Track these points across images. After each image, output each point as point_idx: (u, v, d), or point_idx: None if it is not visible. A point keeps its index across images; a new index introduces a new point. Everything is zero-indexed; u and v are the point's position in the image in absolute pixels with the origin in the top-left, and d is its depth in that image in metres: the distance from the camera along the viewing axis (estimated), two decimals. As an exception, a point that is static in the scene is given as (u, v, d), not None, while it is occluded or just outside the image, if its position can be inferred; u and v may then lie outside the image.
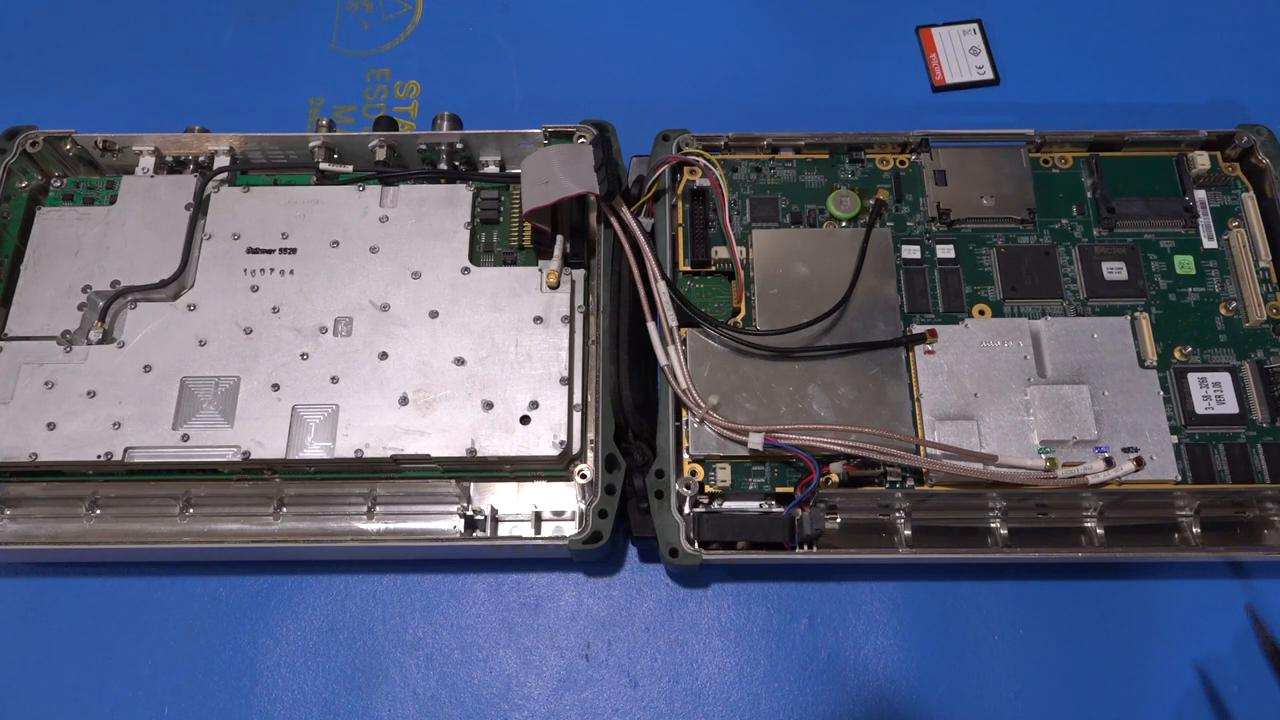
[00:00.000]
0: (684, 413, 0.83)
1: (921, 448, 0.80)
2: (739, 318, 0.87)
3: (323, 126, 0.95)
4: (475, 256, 0.91)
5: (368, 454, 0.81)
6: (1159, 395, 0.83)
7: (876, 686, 0.84)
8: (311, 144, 0.94)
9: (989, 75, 1.12)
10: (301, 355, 0.85)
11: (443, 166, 0.96)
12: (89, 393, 0.83)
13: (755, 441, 0.79)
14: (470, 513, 0.83)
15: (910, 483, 0.81)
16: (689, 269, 0.89)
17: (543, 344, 0.86)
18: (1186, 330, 0.87)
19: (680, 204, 0.92)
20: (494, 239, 0.93)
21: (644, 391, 0.85)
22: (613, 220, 0.87)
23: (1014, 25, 1.16)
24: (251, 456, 0.81)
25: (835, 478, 0.79)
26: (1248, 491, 0.81)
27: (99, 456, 0.81)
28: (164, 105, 1.12)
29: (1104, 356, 0.84)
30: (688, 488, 0.80)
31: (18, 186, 0.93)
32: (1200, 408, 0.83)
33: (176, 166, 0.97)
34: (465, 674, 0.85)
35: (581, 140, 0.91)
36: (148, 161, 0.95)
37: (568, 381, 0.84)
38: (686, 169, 0.93)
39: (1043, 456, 0.80)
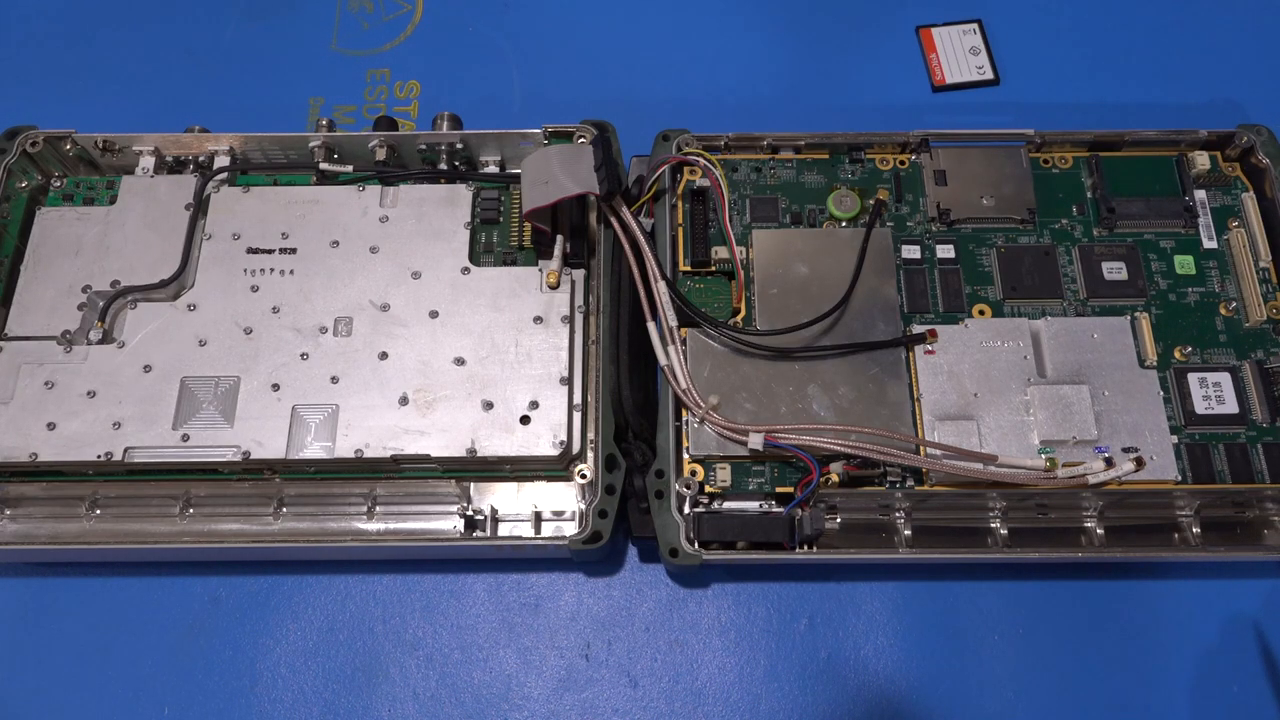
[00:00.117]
0: (684, 413, 0.83)
1: (921, 448, 0.80)
2: (739, 318, 0.87)
3: (323, 126, 0.95)
4: (475, 256, 0.91)
5: (368, 454, 0.81)
6: (1159, 395, 0.83)
7: (876, 686, 0.84)
8: (311, 144, 0.94)
9: (989, 75, 1.12)
10: (301, 355, 0.85)
11: (443, 166, 0.96)
12: (89, 393, 0.83)
13: (755, 441, 0.79)
14: (470, 513, 0.83)
15: (910, 483, 0.81)
16: (689, 269, 0.89)
17: (543, 344, 0.86)
18: (1186, 330, 0.87)
19: (680, 204, 0.92)
20: (494, 239, 0.93)
21: (644, 391, 0.85)
22: (613, 220, 0.87)
23: (1014, 25, 1.16)
24: (251, 456, 0.81)
25: (835, 478, 0.79)
26: (1248, 491, 0.81)
27: (99, 456, 0.81)
28: (164, 105, 1.12)
29: (1104, 356, 0.84)
30: (688, 488, 0.80)
31: (18, 186, 0.93)
32: (1200, 408, 0.83)
33: (176, 166, 0.97)
34: (465, 674, 0.85)
35: (581, 140, 0.91)
36: (148, 161, 0.95)
37: (568, 381, 0.84)
38: (686, 169, 0.93)
39: (1043, 456, 0.80)
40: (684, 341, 0.85)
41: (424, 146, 0.95)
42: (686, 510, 0.81)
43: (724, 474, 0.81)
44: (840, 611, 0.87)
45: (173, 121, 1.00)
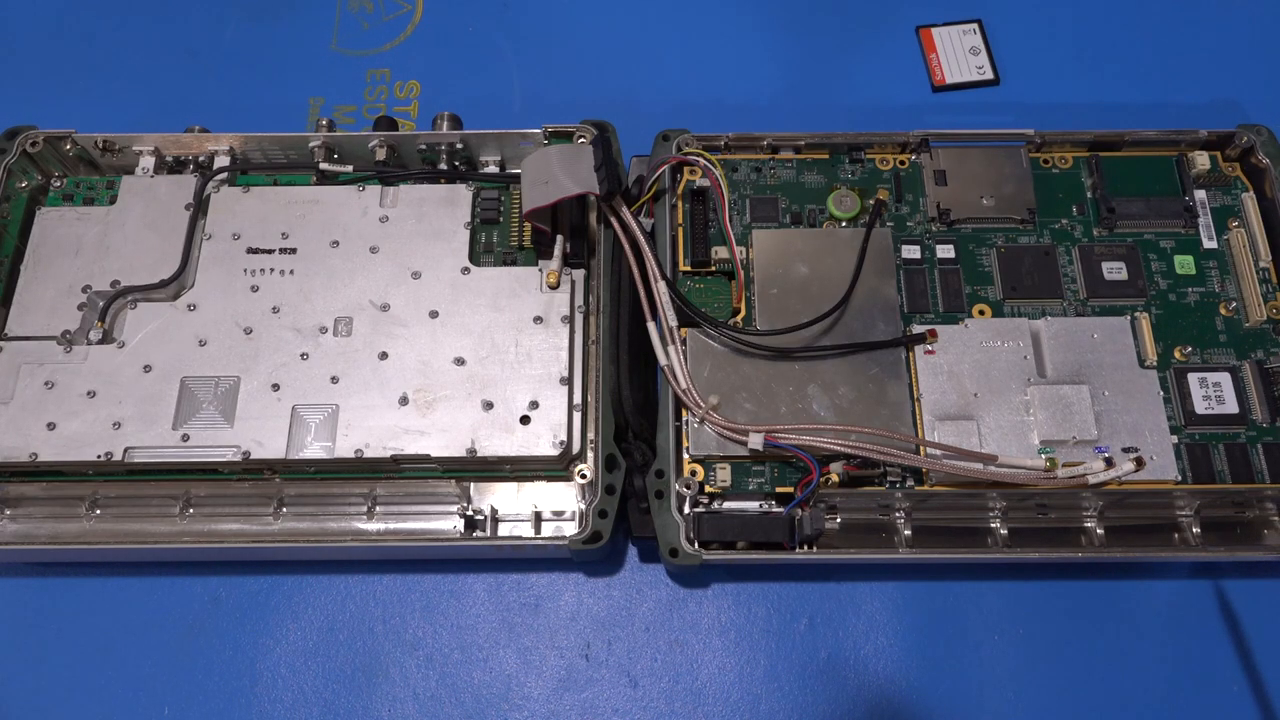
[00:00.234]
0: (684, 413, 0.83)
1: (921, 448, 0.80)
2: (739, 318, 0.87)
3: (323, 126, 0.95)
4: (475, 256, 0.91)
5: (368, 454, 0.81)
6: (1159, 395, 0.83)
7: (876, 686, 0.84)
8: (311, 144, 0.94)
9: (989, 75, 1.12)
10: (301, 355, 0.85)
11: (443, 166, 0.96)
12: (89, 393, 0.83)
13: (755, 441, 0.79)
14: (470, 513, 0.83)
15: (910, 483, 0.81)
16: (689, 269, 0.89)
17: (543, 344, 0.86)
18: (1186, 330, 0.87)
19: (680, 204, 0.92)
20: (494, 239, 0.93)
21: (644, 391, 0.85)
22: (613, 220, 0.87)
23: (1014, 25, 1.16)
24: (251, 456, 0.81)
25: (835, 478, 0.79)
26: (1248, 491, 0.81)
27: (99, 456, 0.81)
28: (164, 105, 1.12)
29: (1104, 356, 0.84)
30: (688, 488, 0.80)
31: (18, 186, 0.93)
32: (1200, 408, 0.83)
33: (176, 166, 0.97)
34: (465, 674, 0.85)
35: (581, 140, 0.91)
36: (148, 161, 0.95)
37: (568, 381, 0.84)
38: (686, 169, 0.93)
39: (1043, 456, 0.80)
40: (684, 341, 0.85)
41: (424, 146, 0.95)
42: (686, 510, 0.81)
43: (724, 474, 0.81)
44: (840, 611, 0.87)
45: (173, 121, 1.01)
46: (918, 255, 0.90)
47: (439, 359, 0.85)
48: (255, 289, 0.88)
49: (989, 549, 0.82)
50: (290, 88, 1.13)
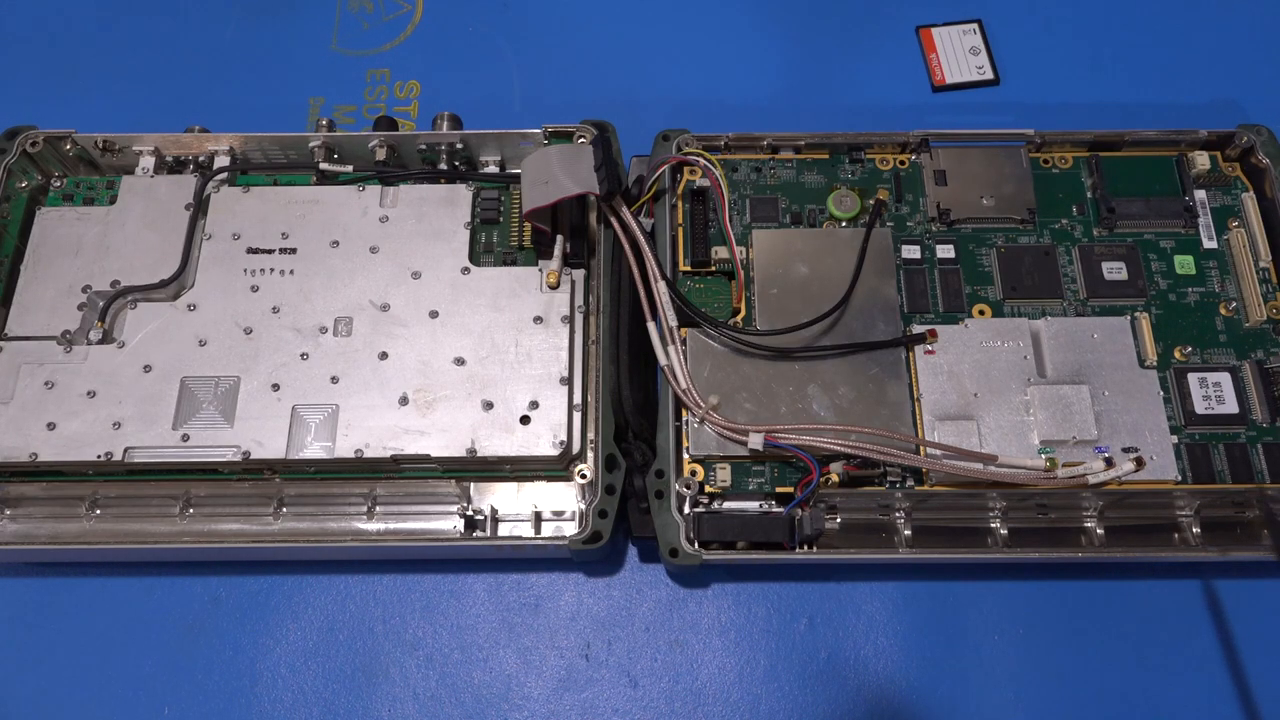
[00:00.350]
0: (684, 413, 0.83)
1: (921, 448, 0.80)
2: (739, 318, 0.87)
3: (323, 126, 0.95)
4: (475, 256, 0.91)
5: (368, 454, 0.81)
6: (1159, 395, 0.83)
7: (876, 686, 0.84)
8: (311, 144, 0.94)
9: (989, 75, 1.12)
10: (301, 355, 0.85)
11: (443, 166, 0.96)
12: (89, 393, 0.83)
13: (755, 441, 0.79)
14: (470, 513, 0.83)
15: (910, 483, 0.81)
16: (689, 269, 0.89)
17: (543, 344, 0.86)
18: (1186, 330, 0.87)
19: (680, 204, 0.92)
20: (494, 239, 0.93)
21: (644, 391, 0.85)
22: (613, 220, 0.87)
23: (1014, 25, 1.16)
24: (251, 456, 0.81)
25: (835, 478, 0.79)
26: (1248, 491, 0.81)
27: (99, 456, 0.81)
28: (164, 105, 1.12)
29: (1104, 356, 0.84)
30: (688, 488, 0.80)
31: (18, 186, 0.93)
32: (1200, 408, 0.83)
33: (176, 166, 0.97)
34: (465, 674, 0.85)
35: (581, 140, 0.91)
36: (148, 161, 0.95)
37: (568, 381, 0.84)
38: (686, 169, 0.93)
39: (1043, 456, 0.80)
40: (684, 341, 0.85)
41: (424, 146, 0.95)
42: (686, 510, 0.81)
43: (724, 474, 0.81)
44: (840, 611, 0.87)
45: (173, 121, 1.00)
46: (918, 255, 0.90)
47: (439, 359, 0.85)
48: (255, 289, 0.88)
49: (989, 549, 0.82)
50: (290, 88, 1.13)
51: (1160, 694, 0.84)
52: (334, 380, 0.84)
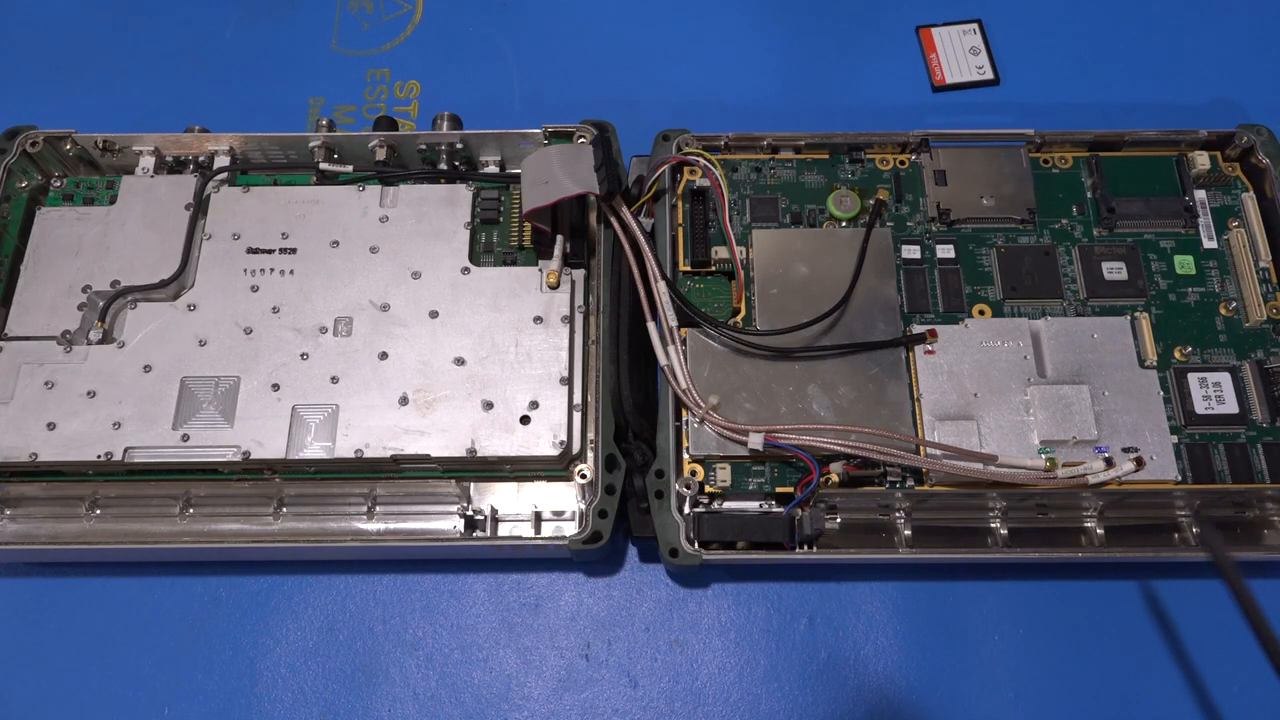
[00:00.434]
0: (684, 413, 0.83)
1: (921, 448, 0.80)
2: (739, 318, 0.87)
3: (323, 126, 0.95)
4: (475, 256, 0.91)
5: (368, 454, 0.81)
6: (1159, 395, 0.83)
7: (876, 686, 0.84)
8: (311, 144, 0.94)
9: (989, 75, 1.12)
10: (301, 355, 0.85)
11: (443, 166, 0.96)
12: (89, 393, 0.83)
13: (755, 441, 0.79)
14: (470, 513, 0.83)
15: (910, 483, 0.81)
16: (689, 269, 0.89)
17: (543, 344, 0.86)
18: (1186, 330, 0.87)
19: (680, 204, 0.92)
20: (494, 239, 0.93)
21: (644, 391, 0.85)
22: (613, 220, 0.87)
23: (1014, 25, 1.16)
24: (251, 456, 0.81)
25: (835, 478, 0.79)
26: (1248, 491, 0.81)
27: (99, 456, 0.81)
28: (164, 105, 1.12)
29: (1104, 356, 0.84)
30: (688, 488, 0.80)
31: (18, 186, 0.93)
32: (1200, 408, 0.83)
33: (176, 166, 0.97)
34: (465, 674, 0.85)
35: (581, 140, 0.91)
36: (148, 161, 0.95)
37: (568, 381, 0.84)
38: (686, 169, 0.93)
39: (1043, 456, 0.80)
40: (684, 341, 0.85)
41: (424, 146, 0.95)
42: (686, 510, 0.81)
43: (724, 474, 0.81)
44: (840, 611, 0.87)
45: (173, 121, 1.00)
46: (918, 255, 0.90)
47: (439, 359, 0.85)
48: (255, 289, 0.88)
49: (989, 549, 0.82)
50: (290, 88, 1.13)
51: (1160, 694, 0.84)
52: (334, 380, 0.84)
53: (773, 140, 0.94)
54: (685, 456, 0.82)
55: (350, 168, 0.95)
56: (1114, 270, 0.89)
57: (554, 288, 0.88)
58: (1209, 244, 0.90)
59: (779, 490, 0.81)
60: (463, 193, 0.92)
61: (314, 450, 0.82)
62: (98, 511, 0.84)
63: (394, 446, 0.82)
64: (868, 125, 0.99)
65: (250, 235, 0.90)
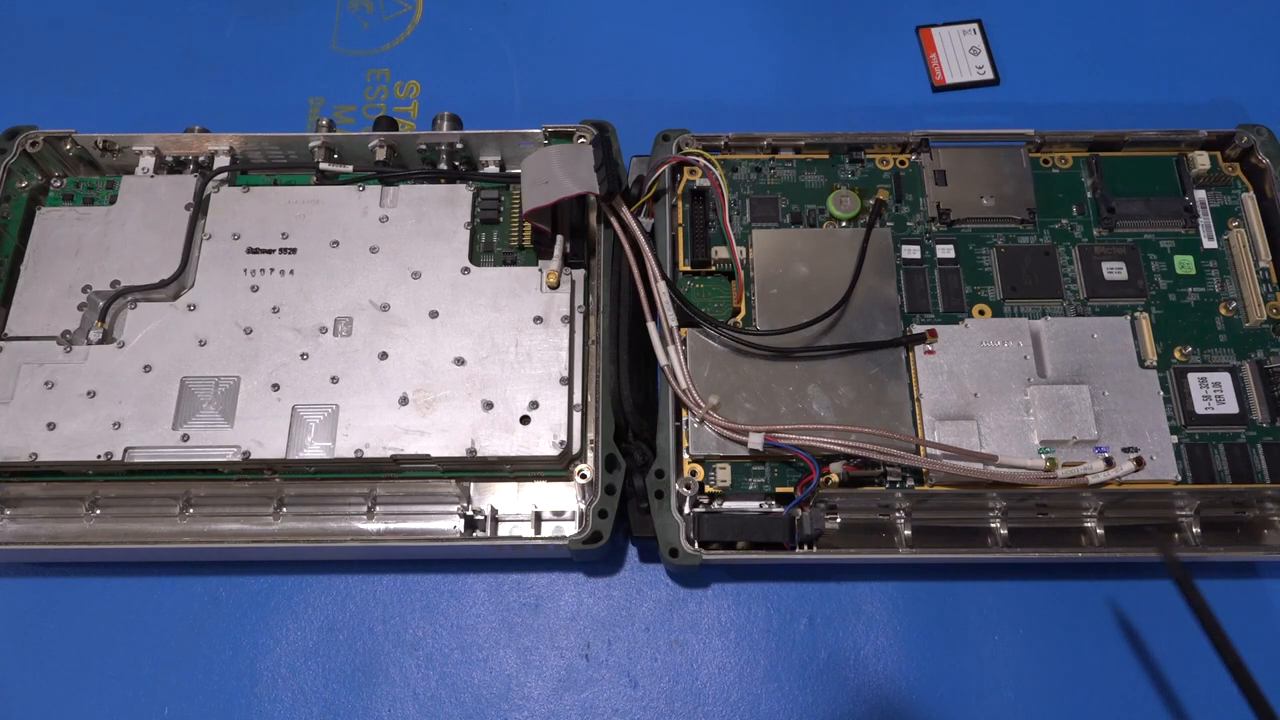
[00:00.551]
0: (684, 413, 0.83)
1: (921, 448, 0.80)
2: (739, 318, 0.87)
3: (323, 126, 0.95)
4: (475, 256, 0.91)
5: (368, 454, 0.81)
6: (1159, 395, 0.83)
7: (876, 686, 0.84)
8: (311, 144, 0.94)
9: (989, 75, 1.12)
10: (301, 355, 0.85)
11: (443, 166, 0.96)
12: (89, 393, 0.83)
13: (755, 441, 0.79)
14: (470, 513, 0.83)
15: (910, 483, 0.81)
16: (689, 269, 0.89)
17: (543, 344, 0.86)
18: (1186, 330, 0.87)
19: (680, 204, 0.92)
20: (494, 239, 0.93)
21: (644, 391, 0.85)
22: (613, 220, 0.87)
23: (1014, 25, 1.16)
24: (251, 456, 0.81)
25: (835, 478, 0.79)
26: (1248, 491, 0.81)
27: (99, 456, 0.81)
28: (164, 105, 1.12)
29: (1104, 356, 0.84)
30: (688, 488, 0.80)
31: (18, 186, 0.93)
32: (1200, 408, 0.83)
33: (176, 166, 0.97)
34: (465, 674, 0.85)
35: (581, 140, 0.91)
36: (148, 161, 0.95)
37: (568, 381, 0.84)
38: (686, 169, 0.93)
39: (1043, 456, 0.80)
40: (684, 341, 0.85)
41: (424, 146, 0.95)
42: (686, 510, 0.81)
43: (724, 474, 0.81)
44: (840, 611, 0.87)
45: (173, 121, 1.01)
46: (918, 255, 0.90)
47: (439, 359, 0.85)
48: (255, 289, 0.88)
49: (989, 549, 0.82)
50: (290, 88, 1.13)
51: (1160, 694, 0.84)
52: (334, 380, 0.84)
53: (773, 140, 0.94)
54: (685, 456, 0.82)
55: (350, 168, 0.95)
56: (1114, 270, 0.89)
57: (554, 288, 0.88)
58: (1209, 244, 0.90)
59: (779, 490, 0.81)
60: (463, 193, 0.92)
61: (314, 450, 0.82)
62: (98, 511, 0.84)
63: (394, 446, 0.82)
64: (868, 125, 0.99)
65: (250, 235, 0.90)
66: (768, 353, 0.84)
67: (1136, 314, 0.87)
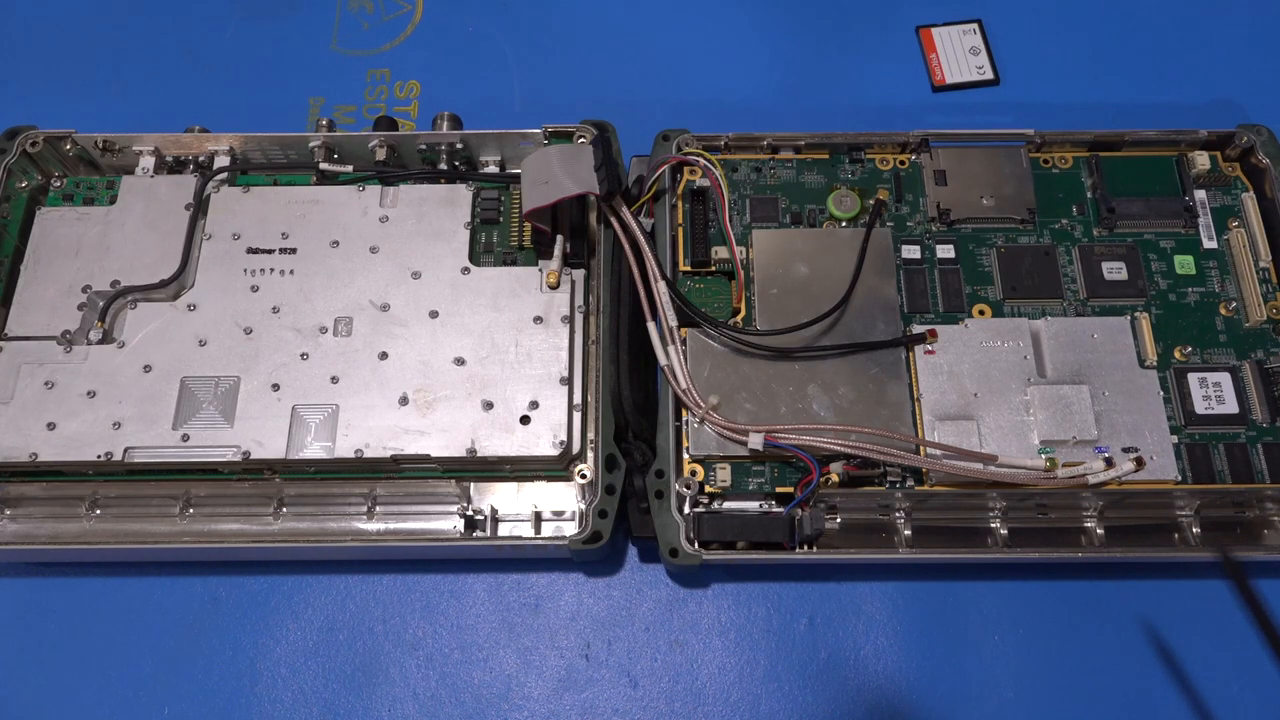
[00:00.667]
0: (684, 413, 0.83)
1: (921, 448, 0.80)
2: (739, 318, 0.87)
3: (323, 126, 0.95)
4: (475, 256, 0.91)
5: (368, 454, 0.81)
6: (1159, 395, 0.83)
7: (876, 686, 0.84)
8: (311, 144, 0.94)
9: (989, 75, 1.12)
10: (301, 355, 0.85)
11: (443, 166, 0.96)
12: (89, 393, 0.83)
13: (755, 441, 0.79)
14: (470, 513, 0.83)
15: (910, 483, 0.81)
16: (689, 269, 0.89)
17: (543, 344, 0.86)
18: (1186, 330, 0.87)
19: (680, 204, 0.92)
20: (494, 239, 0.93)
21: (644, 391, 0.85)
22: (613, 220, 0.87)
23: (1014, 25, 1.16)
24: (251, 456, 0.81)
25: (835, 478, 0.79)
26: (1248, 491, 0.81)
27: (99, 456, 0.81)
28: (164, 105, 1.12)
29: (1104, 356, 0.84)
30: (688, 488, 0.80)
31: (18, 186, 0.93)
32: (1200, 408, 0.83)
33: (176, 166, 0.97)
34: (465, 674, 0.85)
35: (581, 140, 0.91)
36: (148, 161, 0.95)
37: (568, 381, 0.84)
38: (686, 169, 0.93)
39: (1043, 456, 0.80)
40: (684, 341, 0.85)
41: (424, 146, 0.95)
42: (686, 510, 0.81)
43: (724, 474, 0.81)
44: (840, 611, 0.87)
45: (173, 121, 1.00)
46: (918, 255, 0.90)
47: (439, 359, 0.85)
48: (255, 289, 0.88)
49: (989, 549, 0.82)
50: (290, 88, 1.13)
51: (1160, 694, 0.84)
52: (334, 380, 0.84)
53: (773, 140, 0.94)
54: (685, 456, 0.82)
55: (350, 168, 0.95)
56: (1114, 270, 0.89)
57: (554, 288, 0.88)
58: (1209, 244, 0.90)
59: (779, 490, 0.81)
60: (463, 193, 0.92)
61: (314, 450, 0.82)
62: (98, 511, 0.84)
63: (394, 446, 0.82)
64: (868, 125, 0.99)
65: (250, 235, 0.90)
66: (768, 353, 0.84)
67: (1136, 314, 0.87)
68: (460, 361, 0.85)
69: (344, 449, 0.81)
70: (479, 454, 0.81)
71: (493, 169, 0.97)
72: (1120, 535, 0.82)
